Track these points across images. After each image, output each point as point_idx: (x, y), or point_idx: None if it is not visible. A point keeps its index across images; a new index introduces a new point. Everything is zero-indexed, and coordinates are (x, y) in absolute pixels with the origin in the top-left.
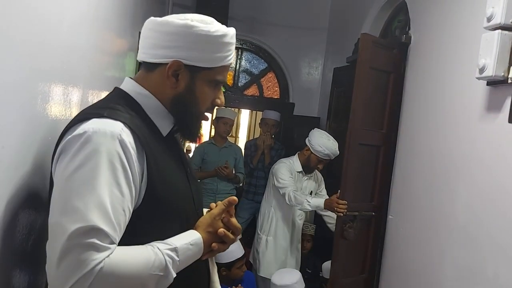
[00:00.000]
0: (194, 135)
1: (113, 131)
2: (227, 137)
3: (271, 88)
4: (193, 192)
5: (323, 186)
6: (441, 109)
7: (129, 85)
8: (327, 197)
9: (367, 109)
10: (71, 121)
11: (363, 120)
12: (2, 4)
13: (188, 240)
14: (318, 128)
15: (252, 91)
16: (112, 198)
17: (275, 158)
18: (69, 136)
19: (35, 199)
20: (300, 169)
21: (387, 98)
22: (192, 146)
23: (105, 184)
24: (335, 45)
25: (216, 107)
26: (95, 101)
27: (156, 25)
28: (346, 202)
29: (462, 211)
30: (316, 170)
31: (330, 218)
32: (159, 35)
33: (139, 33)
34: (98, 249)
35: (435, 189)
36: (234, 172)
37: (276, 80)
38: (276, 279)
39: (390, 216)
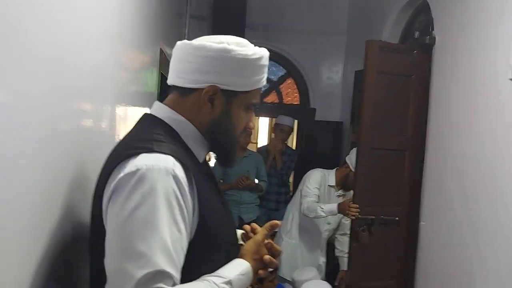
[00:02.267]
0: (231, 161)
1: (167, 166)
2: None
3: (290, 94)
4: (229, 217)
5: None
6: (474, 111)
7: (162, 111)
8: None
9: (382, 114)
10: (114, 156)
11: (376, 124)
12: (33, 21)
13: (239, 270)
14: (342, 133)
15: (272, 98)
16: (172, 237)
17: (287, 163)
18: (121, 174)
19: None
20: (333, 183)
21: (409, 102)
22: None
23: (165, 223)
24: (355, 48)
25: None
26: (123, 118)
27: (192, 49)
28: (358, 206)
29: (500, 216)
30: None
31: (340, 243)
32: (195, 59)
33: (160, 49)
34: None
35: (470, 194)
36: (256, 180)
37: (295, 86)
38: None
39: (422, 222)
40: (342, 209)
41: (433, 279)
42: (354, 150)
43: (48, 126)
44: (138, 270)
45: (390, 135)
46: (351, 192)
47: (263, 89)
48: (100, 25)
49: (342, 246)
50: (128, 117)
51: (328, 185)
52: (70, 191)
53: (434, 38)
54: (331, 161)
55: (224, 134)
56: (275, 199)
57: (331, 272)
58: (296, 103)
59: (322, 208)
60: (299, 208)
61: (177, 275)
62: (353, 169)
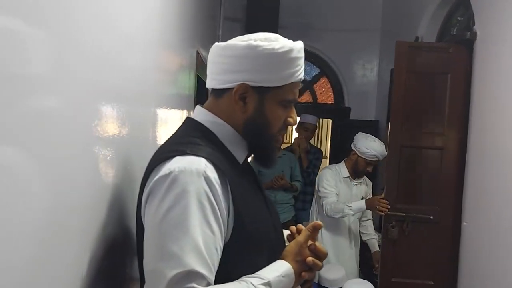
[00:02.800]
0: (271, 160)
1: (198, 168)
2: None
3: (324, 93)
4: (273, 218)
5: (370, 192)
6: None
7: (201, 115)
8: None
9: (415, 112)
10: (153, 159)
11: (408, 123)
12: (82, 27)
13: (280, 272)
14: (378, 131)
15: (305, 98)
16: (204, 238)
17: (313, 162)
18: (156, 177)
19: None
20: (347, 174)
21: (445, 100)
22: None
23: (197, 225)
24: (390, 45)
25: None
26: (164, 120)
27: (220, 50)
28: (388, 202)
29: None
30: (365, 175)
31: (365, 228)
32: (224, 60)
33: (197, 51)
34: None
35: None
36: (290, 180)
37: (329, 85)
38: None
39: (464, 223)
40: (371, 205)
41: (477, 282)
42: (357, 136)
43: (96, 130)
44: (170, 270)
45: (425, 134)
46: (365, 178)
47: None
48: (144, 29)
49: (368, 230)
50: (168, 120)
51: (343, 177)
52: (118, 193)
53: (475, 33)
54: None
55: (260, 132)
56: (302, 199)
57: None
58: (330, 102)
59: (350, 206)
60: (320, 210)
61: (210, 275)
62: (360, 155)
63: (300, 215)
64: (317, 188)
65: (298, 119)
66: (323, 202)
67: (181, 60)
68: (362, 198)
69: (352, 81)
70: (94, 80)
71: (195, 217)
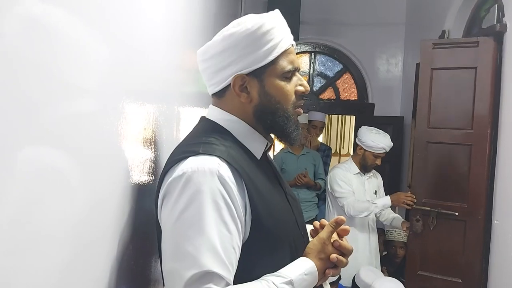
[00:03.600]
0: (292, 137)
1: (211, 167)
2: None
3: (347, 89)
4: (295, 214)
5: (382, 184)
6: None
7: (215, 113)
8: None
9: (442, 108)
10: (169, 161)
11: (435, 119)
12: (108, 26)
13: (302, 270)
14: (403, 128)
15: (328, 94)
16: (221, 238)
17: (323, 159)
18: (170, 179)
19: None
20: (357, 170)
21: (474, 95)
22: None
23: (212, 224)
24: (415, 40)
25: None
26: (186, 120)
27: (202, 55)
28: (414, 196)
29: None
30: (374, 169)
31: (381, 215)
32: (209, 63)
33: None
34: None
35: None
36: (314, 178)
37: (352, 81)
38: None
39: (495, 221)
40: (396, 199)
41: (509, 281)
42: (361, 130)
43: (124, 129)
44: (186, 270)
45: (452, 130)
46: (374, 171)
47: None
48: (167, 29)
49: (384, 216)
50: (191, 118)
51: (354, 174)
52: (145, 191)
53: (506, 25)
54: (391, 156)
55: (272, 112)
56: (324, 197)
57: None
58: (353, 98)
59: (375, 203)
60: (339, 211)
61: (228, 275)
62: (366, 149)
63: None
64: (329, 190)
65: (306, 116)
66: (344, 203)
67: None
68: (375, 192)
69: (376, 77)
70: (121, 81)
71: (210, 217)
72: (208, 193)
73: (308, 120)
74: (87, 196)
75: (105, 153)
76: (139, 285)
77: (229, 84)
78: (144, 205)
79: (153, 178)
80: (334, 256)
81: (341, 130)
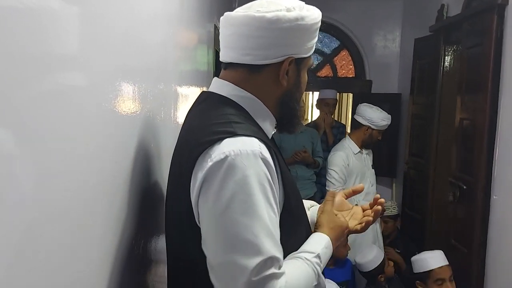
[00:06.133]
0: (297, 125)
1: (254, 150)
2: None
3: (345, 66)
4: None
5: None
6: None
7: (228, 89)
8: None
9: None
10: (196, 143)
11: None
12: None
13: (323, 244)
14: (400, 105)
15: (326, 71)
16: (271, 221)
17: (338, 136)
18: (210, 163)
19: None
20: (358, 149)
21: (480, 71)
22: None
23: (263, 208)
24: (413, 14)
25: None
26: (184, 97)
27: (266, 23)
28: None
29: None
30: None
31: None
32: (266, 33)
33: (215, 25)
34: (277, 276)
35: None
36: (312, 156)
37: (350, 58)
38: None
39: (494, 197)
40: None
41: (507, 254)
42: (365, 109)
43: (120, 107)
44: (250, 260)
45: (462, 106)
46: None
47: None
48: (163, 6)
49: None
50: (189, 97)
51: (354, 154)
52: (141, 170)
53: None
54: (388, 134)
55: (295, 102)
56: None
57: None
58: (351, 76)
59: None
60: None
61: (281, 256)
62: (375, 128)
63: (325, 192)
64: (327, 168)
65: (316, 94)
66: (330, 189)
67: (200, 36)
68: (372, 166)
69: (373, 53)
70: (117, 58)
71: (260, 201)
72: (254, 176)
73: (320, 99)
74: (79, 177)
75: (99, 130)
76: (140, 265)
77: (277, 63)
78: (142, 183)
79: (152, 155)
80: (368, 219)
81: (339, 108)
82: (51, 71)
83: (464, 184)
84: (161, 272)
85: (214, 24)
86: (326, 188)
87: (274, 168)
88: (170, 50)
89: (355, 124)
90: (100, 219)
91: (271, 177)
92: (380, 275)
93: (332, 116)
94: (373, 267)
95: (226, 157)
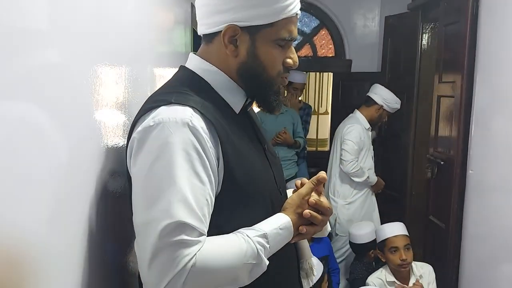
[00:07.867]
0: (272, 106)
1: (183, 118)
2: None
3: (325, 46)
4: (274, 171)
5: None
6: None
7: (194, 62)
8: None
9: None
10: (140, 109)
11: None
12: None
13: (277, 224)
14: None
15: (305, 51)
16: (193, 189)
17: (304, 118)
18: (139, 128)
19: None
20: (368, 126)
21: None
22: None
23: (184, 175)
24: None
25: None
26: (163, 79)
27: None
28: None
29: None
30: None
31: None
32: (209, 1)
33: (191, 4)
34: (188, 244)
35: None
36: (293, 137)
37: (329, 37)
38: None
39: (470, 171)
40: (378, 185)
41: (483, 226)
42: (381, 90)
43: (93, 89)
44: (159, 222)
45: (441, 83)
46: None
47: (298, 40)
48: None
49: None
50: (166, 79)
51: (366, 129)
52: (117, 152)
53: None
54: None
55: (256, 76)
56: (302, 155)
57: None
58: (331, 55)
59: (368, 177)
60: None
61: (201, 225)
62: (388, 109)
63: (303, 172)
64: (341, 145)
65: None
66: (347, 161)
67: (176, 15)
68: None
69: (353, 32)
70: (89, 38)
71: (181, 168)
72: (179, 143)
73: (288, 82)
74: (56, 156)
75: (74, 114)
76: (119, 238)
77: (220, 31)
78: (119, 164)
79: (125, 138)
80: (307, 211)
81: (319, 87)
82: (21, 50)
83: (442, 161)
84: None
85: (191, 3)
86: (342, 158)
87: (207, 138)
88: (145, 31)
89: (368, 101)
90: (81, 196)
91: (201, 146)
92: (371, 251)
93: (301, 98)
94: (366, 241)
95: (155, 123)
